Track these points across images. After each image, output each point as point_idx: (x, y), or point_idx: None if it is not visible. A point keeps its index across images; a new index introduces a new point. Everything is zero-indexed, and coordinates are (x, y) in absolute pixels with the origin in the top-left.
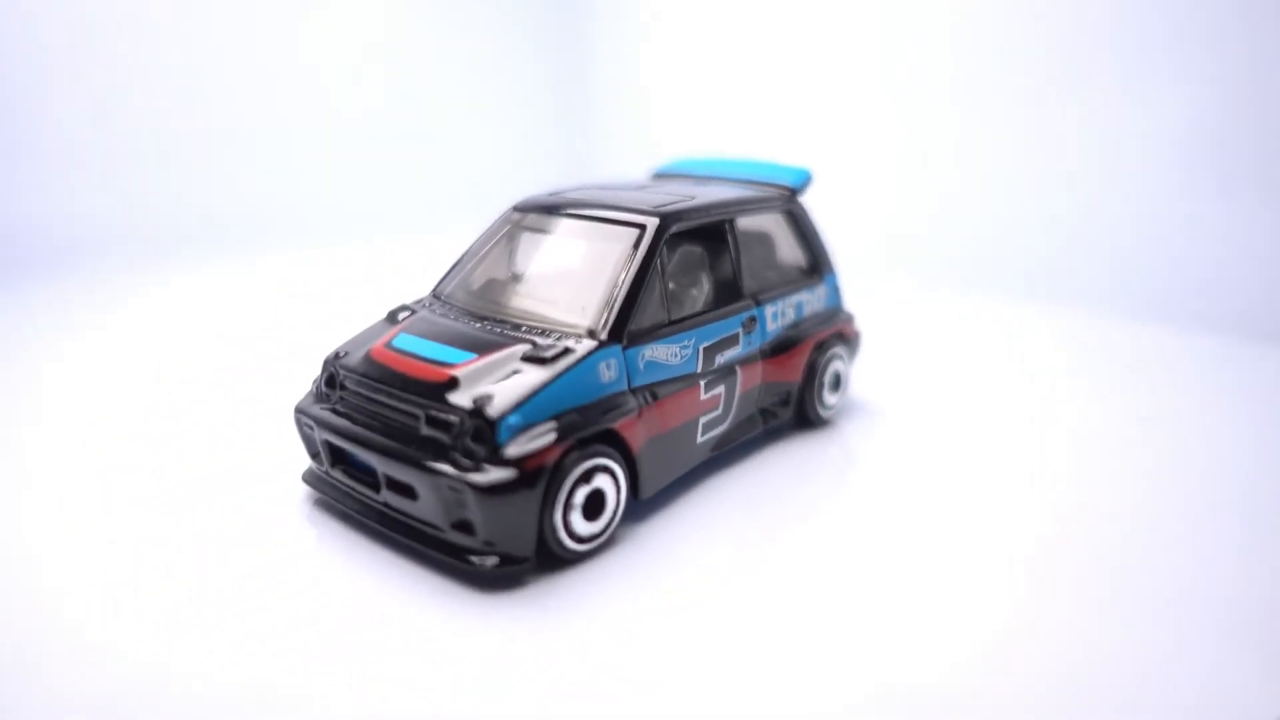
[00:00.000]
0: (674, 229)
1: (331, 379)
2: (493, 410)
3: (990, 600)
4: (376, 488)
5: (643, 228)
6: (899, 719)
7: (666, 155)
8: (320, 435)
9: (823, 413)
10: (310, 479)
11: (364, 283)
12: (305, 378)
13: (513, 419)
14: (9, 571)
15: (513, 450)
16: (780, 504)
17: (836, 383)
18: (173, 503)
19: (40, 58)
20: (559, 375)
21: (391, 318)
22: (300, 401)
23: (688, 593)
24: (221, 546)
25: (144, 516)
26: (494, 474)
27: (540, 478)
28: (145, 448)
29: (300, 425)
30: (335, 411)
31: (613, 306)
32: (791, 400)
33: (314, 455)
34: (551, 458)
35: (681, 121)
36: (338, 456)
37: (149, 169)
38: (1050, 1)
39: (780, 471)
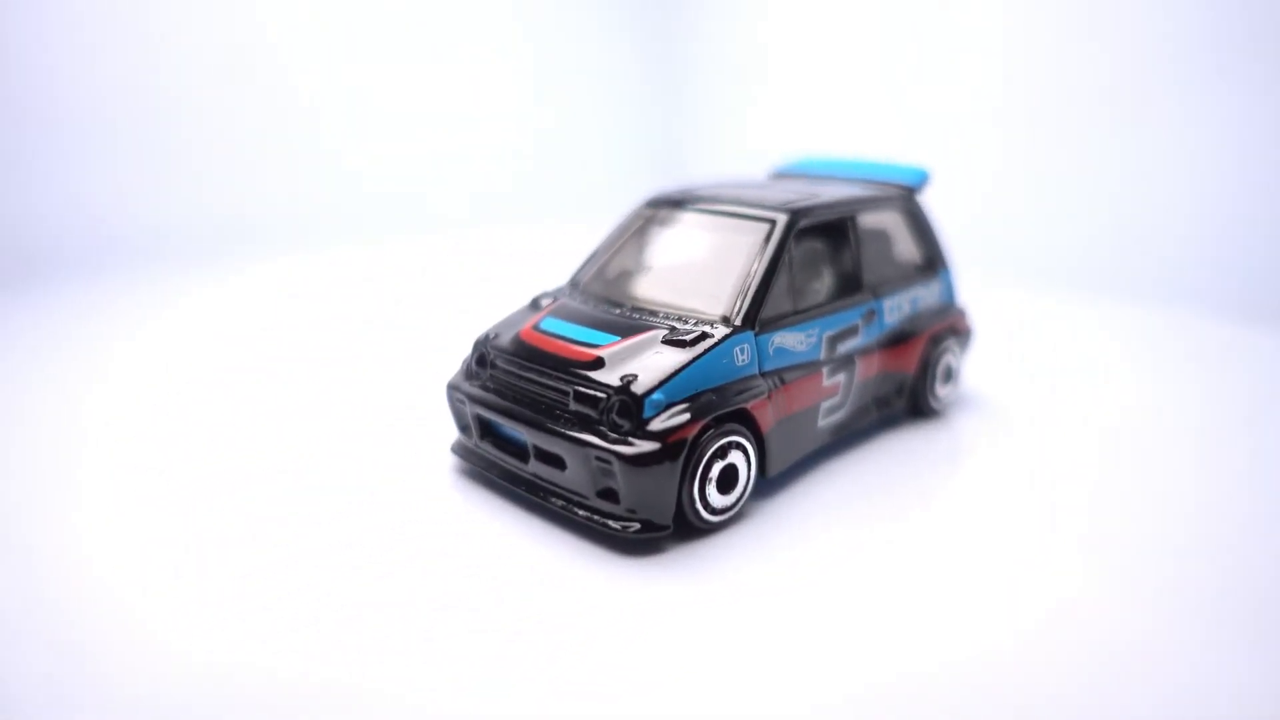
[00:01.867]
0: (802, 224)
1: (482, 358)
2: (638, 387)
3: (1074, 596)
4: (525, 459)
5: (773, 222)
6: (960, 700)
7: (756, 154)
8: (472, 410)
9: (934, 404)
10: (459, 450)
11: (364, 283)
12: (306, 378)
13: (657, 396)
14: (33, 569)
15: (657, 425)
16: (893, 491)
17: (948, 375)
18: (179, 502)
19: (47, 59)
20: (698, 357)
21: (534, 304)
22: (452, 378)
23: (809, 568)
24: (222, 546)
25: (150, 516)
26: (640, 446)
27: (681, 451)
28: (153, 448)
29: (452, 400)
30: (486, 388)
31: (746, 295)
32: (905, 390)
33: (463, 429)
34: (691, 433)
35: (778, 120)
36: (487, 429)
37: (172, 171)
38: (1144, 13)
39: (893, 460)
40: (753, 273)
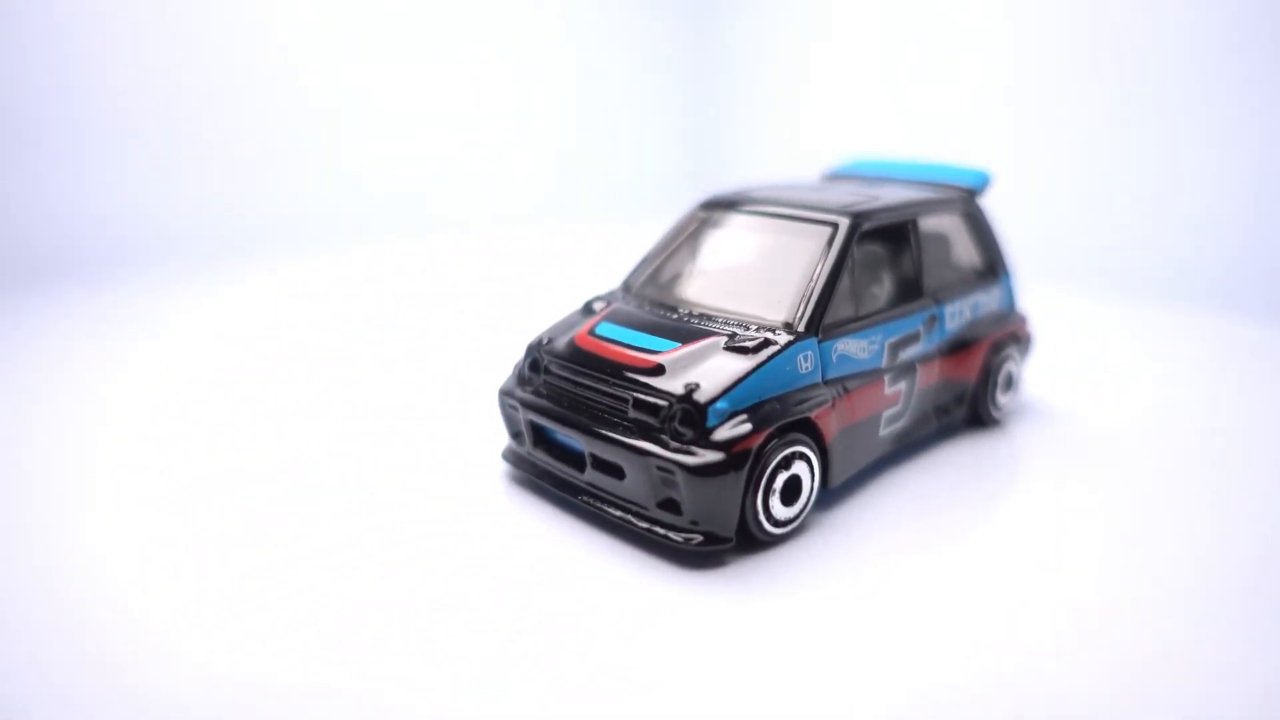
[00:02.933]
0: (864, 228)
1: (535, 363)
2: (702, 396)
3: (1134, 610)
4: (581, 467)
5: (835, 226)
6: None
7: (795, 155)
8: (525, 416)
9: (994, 413)
10: (510, 457)
11: (365, 284)
12: (306, 378)
13: (721, 404)
14: (33, 568)
15: (720, 434)
16: (955, 503)
17: (1009, 383)
18: (180, 502)
19: (57, 64)
20: (761, 365)
21: (587, 308)
22: (503, 384)
23: (871, 583)
24: (223, 546)
25: (151, 515)
26: (704, 456)
27: (746, 461)
28: (154, 448)
29: (504, 406)
30: (539, 394)
31: (808, 301)
32: (966, 399)
33: (515, 435)
34: (756, 442)
35: (818, 121)
36: (540, 436)
37: (182, 173)
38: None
39: (953, 470)
40: (815, 278)
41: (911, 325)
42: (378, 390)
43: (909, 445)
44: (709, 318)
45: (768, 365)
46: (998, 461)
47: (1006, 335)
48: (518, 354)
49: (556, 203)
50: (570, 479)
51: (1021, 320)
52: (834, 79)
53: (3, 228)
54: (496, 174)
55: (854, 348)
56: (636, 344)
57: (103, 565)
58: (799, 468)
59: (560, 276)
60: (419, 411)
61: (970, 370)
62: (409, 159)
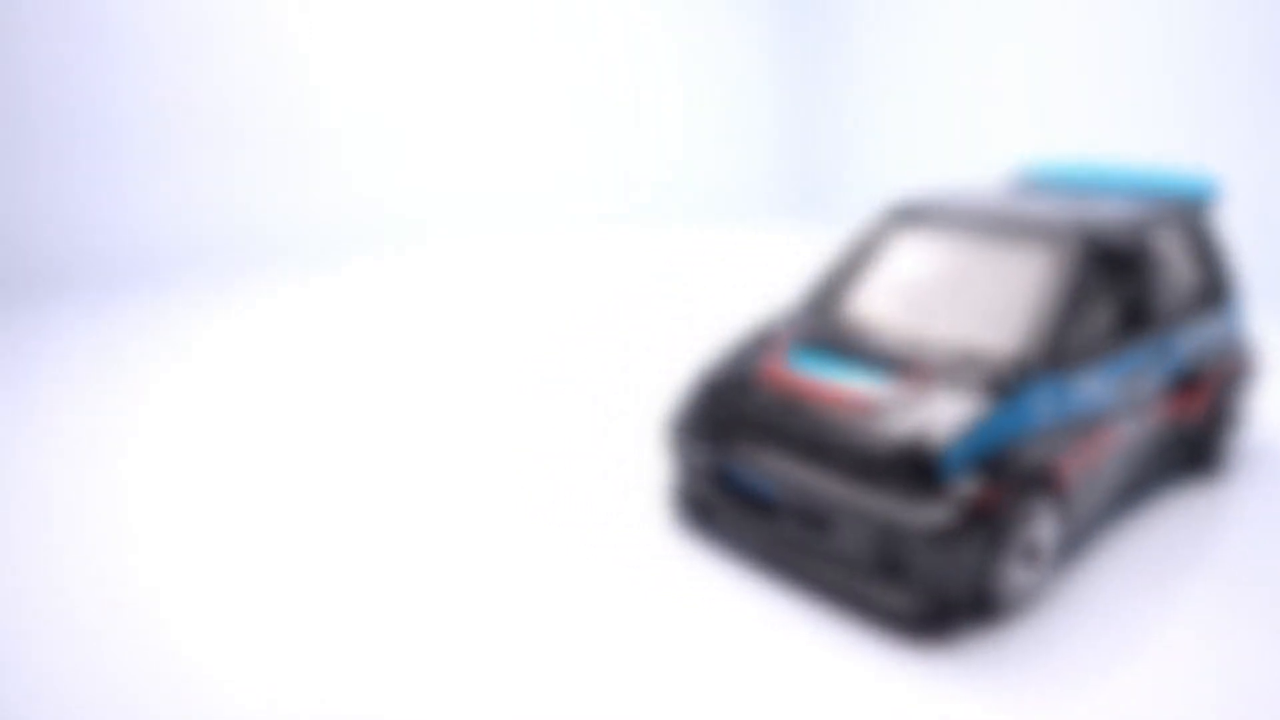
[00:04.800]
0: (1101, 247)
1: (715, 395)
2: (935, 444)
3: None
4: (769, 515)
5: (1067, 244)
6: None
7: (903, 157)
8: (704, 456)
9: (1223, 457)
10: (680, 500)
11: (455, 287)
12: (415, 393)
13: (956, 453)
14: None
15: (957, 489)
16: (1191, 566)
17: (1237, 423)
18: (217, 522)
19: (90, 77)
20: (998, 406)
21: (765, 332)
22: (673, 417)
23: (1124, 664)
24: (253, 569)
25: (185, 536)
26: (941, 513)
27: (989, 520)
28: (177, 455)
29: (675, 442)
30: (722, 430)
31: (1043, 331)
32: (1192, 441)
33: (686, 474)
34: (997, 498)
35: (926, 124)
36: (720, 479)
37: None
38: None
39: (1182, 524)
40: (1048, 305)
41: (1144, 358)
42: (498, 409)
43: (1132, 493)
44: (924, 348)
45: (1005, 407)
46: (1228, 514)
47: (1236, 368)
48: (649, 369)
49: (660, 205)
50: (757, 528)
51: (1251, 351)
52: (968, 77)
53: (33, 240)
54: (595, 174)
55: (1090, 385)
56: (842, 378)
57: (126, 581)
58: (1039, 525)
59: (678, 283)
60: (547, 437)
61: (1198, 409)
62: (504, 157)
